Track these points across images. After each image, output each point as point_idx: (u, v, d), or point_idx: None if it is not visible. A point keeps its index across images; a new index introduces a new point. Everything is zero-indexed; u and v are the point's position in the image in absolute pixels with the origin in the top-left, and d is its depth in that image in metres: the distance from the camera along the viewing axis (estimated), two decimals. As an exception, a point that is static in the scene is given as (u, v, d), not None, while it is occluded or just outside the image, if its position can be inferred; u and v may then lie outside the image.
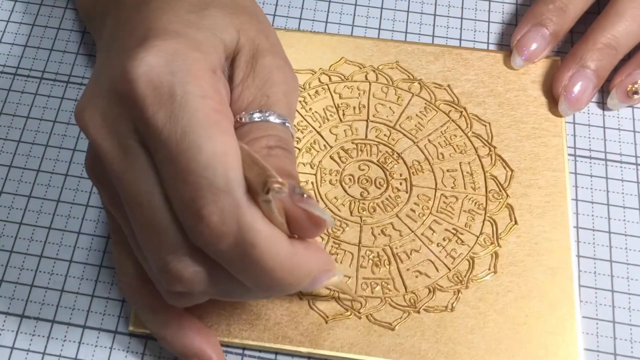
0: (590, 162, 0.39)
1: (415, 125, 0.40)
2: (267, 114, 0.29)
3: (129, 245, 0.31)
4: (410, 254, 0.36)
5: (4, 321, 0.35)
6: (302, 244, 0.27)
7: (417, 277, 0.36)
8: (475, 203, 0.38)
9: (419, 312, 0.35)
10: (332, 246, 0.36)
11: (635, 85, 0.40)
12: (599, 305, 0.36)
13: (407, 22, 0.44)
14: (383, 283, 0.36)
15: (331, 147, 0.39)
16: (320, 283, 0.29)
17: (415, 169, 0.38)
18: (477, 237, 0.37)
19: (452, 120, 0.40)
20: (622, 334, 0.35)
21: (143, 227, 0.28)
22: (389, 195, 0.38)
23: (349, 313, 0.35)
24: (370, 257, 0.36)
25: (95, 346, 0.35)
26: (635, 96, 0.40)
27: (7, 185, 0.39)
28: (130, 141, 0.28)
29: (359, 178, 0.38)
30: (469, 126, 0.40)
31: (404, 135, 0.39)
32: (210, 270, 0.28)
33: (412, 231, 0.37)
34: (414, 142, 0.39)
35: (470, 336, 0.34)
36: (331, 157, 0.39)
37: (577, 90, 0.39)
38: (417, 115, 0.40)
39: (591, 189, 0.39)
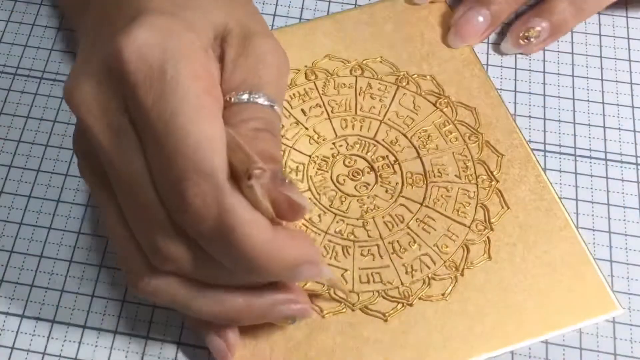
0: (591, 162, 0.39)
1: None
2: (256, 96, 0.29)
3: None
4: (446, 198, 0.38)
5: (4, 321, 0.35)
6: (286, 233, 0.27)
7: (459, 213, 0.37)
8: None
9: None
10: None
11: (529, 32, 0.41)
12: (599, 305, 0.36)
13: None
14: (445, 235, 0.37)
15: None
16: (304, 275, 0.28)
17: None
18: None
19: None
20: (622, 334, 0.35)
21: (132, 206, 0.28)
22: (385, 164, 0.39)
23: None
24: (422, 220, 0.37)
25: (95, 346, 0.35)
26: (527, 42, 0.41)
27: (7, 185, 0.39)
28: (121, 120, 0.27)
29: (351, 172, 0.38)
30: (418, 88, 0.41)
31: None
32: (195, 251, 0.28)
33: (424, 175, 0.38)
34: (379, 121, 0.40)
35: None
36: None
37: (468, 24, 0.41)
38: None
39: (591, 189, 0.39)
